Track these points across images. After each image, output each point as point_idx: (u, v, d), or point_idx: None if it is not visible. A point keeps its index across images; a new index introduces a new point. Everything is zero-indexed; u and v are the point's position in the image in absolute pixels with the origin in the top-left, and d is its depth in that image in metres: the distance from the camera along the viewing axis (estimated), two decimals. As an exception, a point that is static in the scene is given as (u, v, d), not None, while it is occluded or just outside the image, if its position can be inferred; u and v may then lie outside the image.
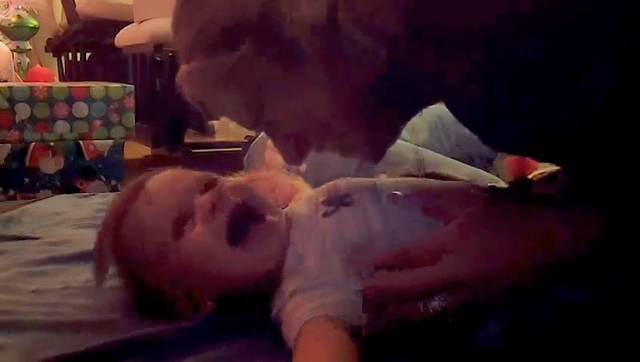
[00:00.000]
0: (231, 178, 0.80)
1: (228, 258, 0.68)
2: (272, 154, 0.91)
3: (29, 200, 1.51)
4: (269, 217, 0.71)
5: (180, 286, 0.70)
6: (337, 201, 0.72)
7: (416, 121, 1.55)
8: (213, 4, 0.58)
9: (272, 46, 0.56)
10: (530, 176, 1.02)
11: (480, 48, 0.51)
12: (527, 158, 1.17)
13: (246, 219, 0.70)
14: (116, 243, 0.74)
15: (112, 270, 0.88)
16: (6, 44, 3.47)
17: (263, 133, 1.31)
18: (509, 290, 0.56)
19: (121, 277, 0.77)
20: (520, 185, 0.71)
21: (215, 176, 0.75)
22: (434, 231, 0.62)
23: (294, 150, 0.66)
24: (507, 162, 1.20)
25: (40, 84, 1.91)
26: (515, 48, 0.51)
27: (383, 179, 0.77)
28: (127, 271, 0.75)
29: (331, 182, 0.77)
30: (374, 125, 0.62)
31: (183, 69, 0.63)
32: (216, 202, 0.69)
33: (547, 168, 1.06)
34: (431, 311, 0.56)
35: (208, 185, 0.72)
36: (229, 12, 0.57)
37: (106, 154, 1.81)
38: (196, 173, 0.75)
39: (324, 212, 0.71)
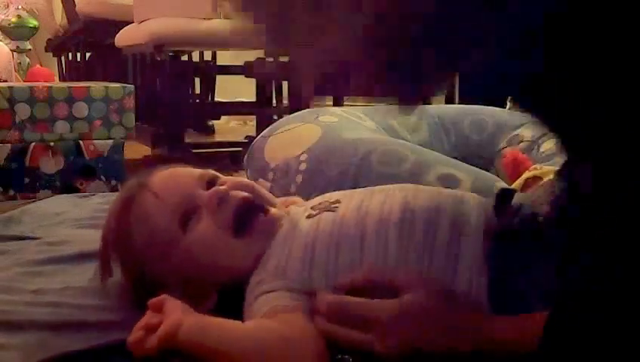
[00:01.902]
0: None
1: (233, 248, 0.71)
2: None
3: (29, 200, 1.51)
4: (273, 210, 0.74)
5: (187, 279, 0.72)
6: (325, 207, 0.74)
7: (416, 121, 1.57)
8: None
9: None
10: (524, 177, 1.02)
11: None
12: (522, 159, 1.18)
13: (250, 213, 0.73)
14: (120, 241, 0.75)
15: (118, 268, 0.88)
16: (6, 44, 3.47)
17: (263, 133, 1.32)
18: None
19: (124, 274, 0.77)
20: (505, 195, 0.72)
21: (215, 173, 0.78)
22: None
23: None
24: (502, 162, 1.20)
25: (40, 84, 1.91)
26: None
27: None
28: (131, 268, 0.76)
29: (329, 193, 0.79)
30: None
31: None
32: (223, 197, 0.72)
33: (539, 169, 1.06)
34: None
35: (210, 182, 0.75)
36: None
37: (106, 154, 1.80)
38: (198, 170, 0.78)
39: (307, 214, 0.73)
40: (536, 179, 0.99)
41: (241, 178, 0.83)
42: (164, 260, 0.72)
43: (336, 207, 0.72)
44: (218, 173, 0.78)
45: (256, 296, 0.68)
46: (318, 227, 0.70)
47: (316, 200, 0.77)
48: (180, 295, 0.71)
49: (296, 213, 0.76)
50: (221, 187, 0.73)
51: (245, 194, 0.73)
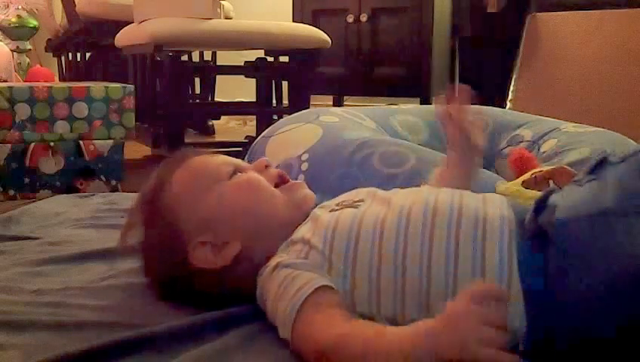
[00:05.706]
0: None
1: (274, 194, 0.79)
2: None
3: (29, 200, 1.51)
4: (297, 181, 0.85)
5: (219, 219, 0.76)
6: (348, 204, 0.75)
7: (416, 121, 1.57)
8: None
9: None
10: (529, 174, 1.02)
11: None
12: (529, 157, 1.17)
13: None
14: (158, 189, 0.79)
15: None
16: (6, 44, 3.46)
17: (264, 133, 1.32)
18: None
19: (147, 236, 0.79)
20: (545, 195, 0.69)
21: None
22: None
23: None
24: (509, 161, 1.20)
25: (40, 84, 1.91)
26: None
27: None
28: (158, 223, 0.78)
29: (356, 190, 0.80)
30: None
31: None
32: (269, 165, 0.83)
33: (546, 167, 1.06)
34: None
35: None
36: None
37: (106, 154, 1.80)
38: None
39: (330, 209, 0.75)
40: (541, 178, 0.99)
41: None
42: (206, 196, 0.76)
43: (359, 205, 0.74)
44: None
45: (279, 270, 0.69)
46: (338, 220, 0.71)
47: (340, 198, 0.79)
48: (205, 239, 0.75)
49: (319, 211, 0.77)
50: (265, 160, 0.84)
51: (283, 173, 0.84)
